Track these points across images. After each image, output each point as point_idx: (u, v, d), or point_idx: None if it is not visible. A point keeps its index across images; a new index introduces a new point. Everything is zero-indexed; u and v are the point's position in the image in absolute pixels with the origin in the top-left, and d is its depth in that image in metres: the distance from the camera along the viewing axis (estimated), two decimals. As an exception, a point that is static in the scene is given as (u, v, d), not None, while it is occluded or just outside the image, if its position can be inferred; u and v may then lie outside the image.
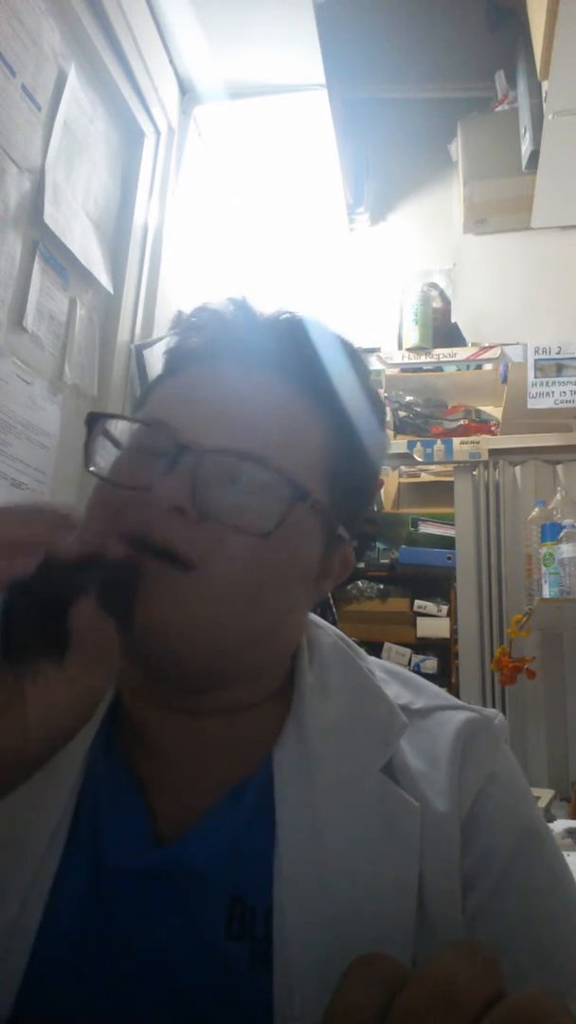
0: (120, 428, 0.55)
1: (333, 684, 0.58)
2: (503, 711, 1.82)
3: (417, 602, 2.58)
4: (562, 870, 0.56)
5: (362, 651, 0.64)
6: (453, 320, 2.69)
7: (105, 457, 0.54)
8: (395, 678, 0.63)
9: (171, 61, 1.91)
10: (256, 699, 0.57)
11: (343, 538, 0.58)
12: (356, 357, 0.60)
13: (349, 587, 2.62)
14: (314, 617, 0.64)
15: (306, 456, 0.54)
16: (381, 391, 2.60)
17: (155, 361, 1.72)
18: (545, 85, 1.92)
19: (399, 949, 0.48)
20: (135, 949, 0.50)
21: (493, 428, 2.50)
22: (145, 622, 0.47)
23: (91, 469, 0.53)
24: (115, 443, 0.55)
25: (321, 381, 0.56)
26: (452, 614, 2.43)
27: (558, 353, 2.29)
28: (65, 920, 0.50)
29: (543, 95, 1.99)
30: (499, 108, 2.67)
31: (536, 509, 2.10)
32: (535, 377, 2.27)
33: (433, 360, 2.56)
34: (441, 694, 0.62)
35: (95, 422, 0.54)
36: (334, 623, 0.67)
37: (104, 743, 0.56)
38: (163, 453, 0.50)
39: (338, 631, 0.64)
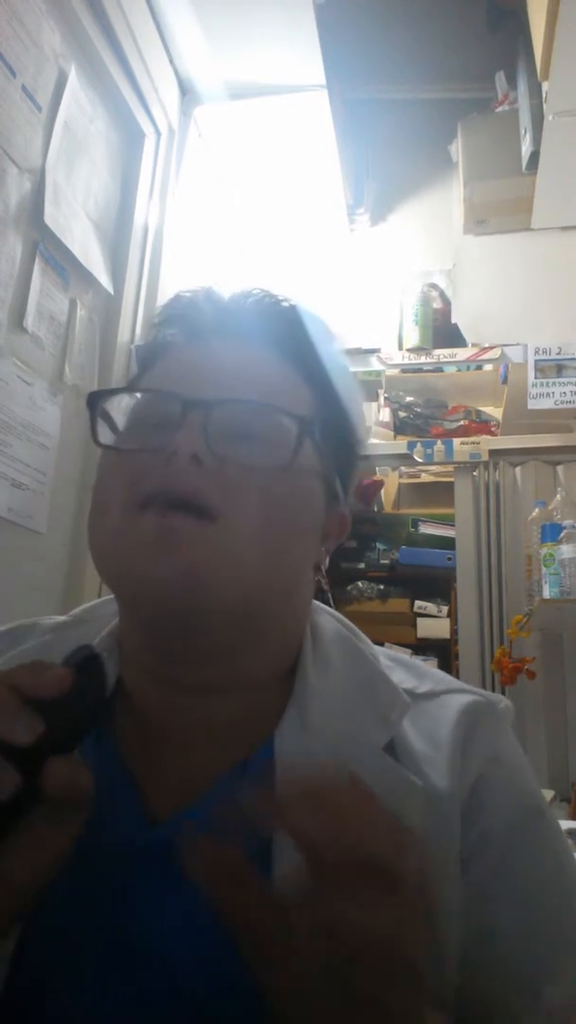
0: (120, 409, 0.57)
1: (335, 668, 0.58)
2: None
3: (417, 603, 2.58)
4: (563, 848, 0.56)
5: (365, 638, 0.64)
6: (453, 321, 2.68)
7: (107, 437, 0.56)
8: (400, 664, 0.62)
9: (171, 61, 1.91)
10: (261, 676, 0.56)
11: (339, 497, 0.60)
12: (325, 328, 0.62)
13: (349, 587, 2.62)
14: (317, 604, 0.64)
15: (301, 408, 0.56)
16: (381, 392, 2.60)
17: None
18: (545, 86, 1.92)
19: None
20: (131, 934, 0.49)
21: (493, 429, 2.50)
22: (173, 577, 0.48)
23: (101, 442, 0.54)
24: (114, 426, 0.56)
25: (301, 351, 0.59)
26: (452, 615, 2.43)
27: (558, 354, 2.29)
28: (56, 907, 0.49)
29: (543, 96, 1.99)
30: (499, 109, 2.67)
31: (536, 510, 2.10)
32: (535, 378, 2.27)
33: (433, 361, 2.55)
34: (446, 679, 0.62)
35: (96, 401, 0.56)
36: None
37: (94, 734, 0.55)
38: (167, 420, 0.52)
39: (341, 616, 0.64)
